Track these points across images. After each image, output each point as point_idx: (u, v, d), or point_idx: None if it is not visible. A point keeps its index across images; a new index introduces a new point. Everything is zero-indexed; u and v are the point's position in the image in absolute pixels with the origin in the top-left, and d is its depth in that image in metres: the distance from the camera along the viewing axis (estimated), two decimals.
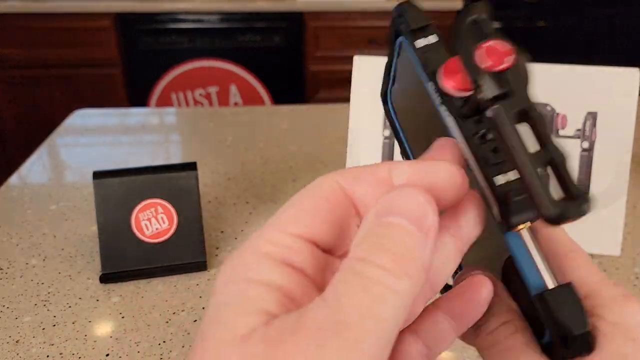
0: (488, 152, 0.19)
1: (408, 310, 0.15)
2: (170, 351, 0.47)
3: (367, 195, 0.17)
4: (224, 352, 0.14)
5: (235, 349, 0.14)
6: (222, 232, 0.64)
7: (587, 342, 0.18)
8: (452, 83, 0.19)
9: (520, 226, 0.19)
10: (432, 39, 0.22)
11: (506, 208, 0.18)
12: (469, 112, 0.19)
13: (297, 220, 0.16)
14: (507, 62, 0.19)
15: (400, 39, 0.23)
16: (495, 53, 0.19)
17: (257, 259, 0.15)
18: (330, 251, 0.17)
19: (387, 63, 0.24)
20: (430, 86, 0.21)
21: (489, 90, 0.18)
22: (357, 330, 0.14)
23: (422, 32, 0.22)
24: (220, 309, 0.15)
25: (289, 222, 0.17)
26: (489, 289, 0.19)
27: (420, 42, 0.21)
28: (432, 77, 0.20)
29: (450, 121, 0.20)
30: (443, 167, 0.18)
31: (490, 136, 0.19)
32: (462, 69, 0.19)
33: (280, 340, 0.14)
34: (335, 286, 0.15)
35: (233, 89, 1.97)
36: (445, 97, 0.20)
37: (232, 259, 0.16)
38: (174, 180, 0.56)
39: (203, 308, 0.52)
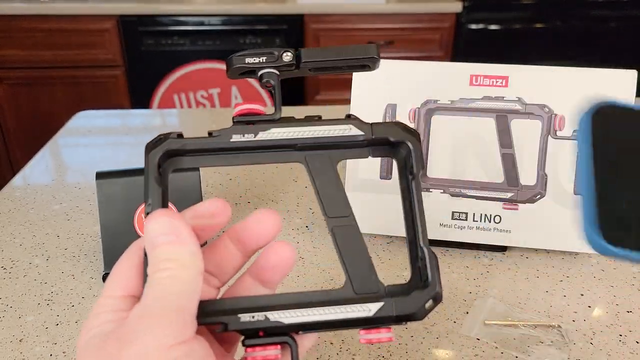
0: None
1: (194, 286, 0.23)
2: None
3: None
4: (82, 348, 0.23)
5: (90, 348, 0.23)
6: (224, 232, 0.64)
7: None
8: None
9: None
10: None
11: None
12: None
13: (115, 285, 0.25)
14: None
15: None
16: None
17: (95, 316, 0.24)
18: None
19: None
20: None
21: None
22: (161, 308, 0.22)
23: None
24: (81, 348, 0.23)
25: (109, 288, 0.25)
26: (280, 255, 0.27)
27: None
28: None
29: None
30: (206, 201, 0.26)
31: None
32: None
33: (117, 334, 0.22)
34: (142, 292, 0.23)
35: (234, 90, 1.97)
36: None
37: (84, 323, 0.24)
38: (176, 180, 0.56)
39: None
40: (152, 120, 1.07)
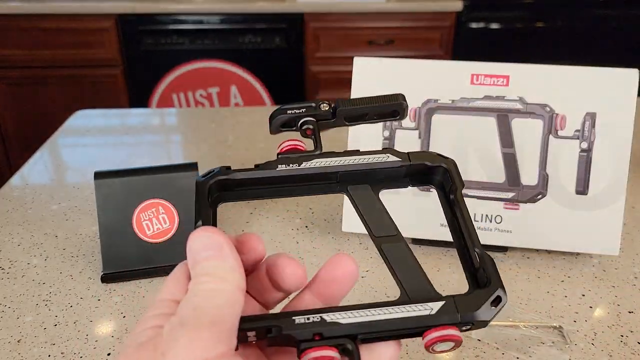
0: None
1: (232, 300, 0.22)
2: None
3: None
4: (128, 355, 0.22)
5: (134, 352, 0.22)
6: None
7: None
8: None
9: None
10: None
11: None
12: None
13: (166, 289, 0.25)
14: None
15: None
16: None
17: (142, 321, 0.24)
18: None
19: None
20: None
21: None
22: (196, 319, 0.21)
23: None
24: (122, 351, 0.23)
25: (162, 292, 0.25)
26: (345, 269, 0.26)
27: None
28: None
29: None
30: (242, 235, 0.26)
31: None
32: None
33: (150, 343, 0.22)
34: (180, 304, 0.23)
35: (234, 89, 1.97)
36: None
37: (141, 320, 0.24)
38: (175, 180, 0.56)
39: None
40: (151, 120, 1.07)
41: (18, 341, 0.48)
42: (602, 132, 0.55)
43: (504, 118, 0.57)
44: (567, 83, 0.56)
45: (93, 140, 0.93)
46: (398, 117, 0.31)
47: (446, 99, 0.58)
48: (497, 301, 0.24)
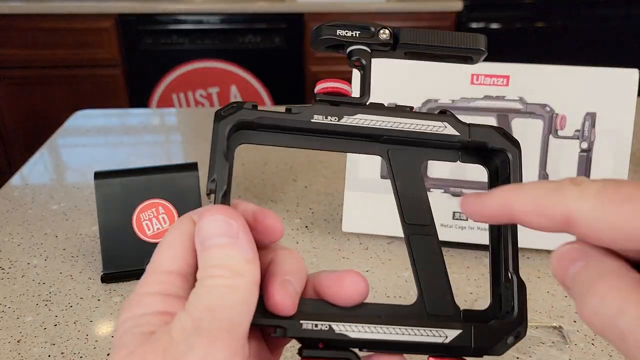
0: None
1: (248, 297, 0.20)
2: None
3: None
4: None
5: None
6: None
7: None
8: None
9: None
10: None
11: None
12: None
13: (161, 258, 0.22)
14: None
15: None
16: None
17: (141, 298, 0.21)
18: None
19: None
20: None
21: None
22: (211, 324, 0.19)
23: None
24: (121, 335, 0.20)
25: (155, 263, 0.22)
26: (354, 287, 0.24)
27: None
28: None
29: None
30: (267, 213, 0.24)
31: None
32: None
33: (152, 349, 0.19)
34: (190, 299, 0.20)
35: (234, 89, 1.97)
36: None
37: (129, 300, 0.21)
38: (175, 180, 0.56)
39: None
40: (151, 120, 1.07)
41: (18, 341, 0.48)
42: (602, 132, 0.56)
43: (504, 118, 0.57)
44: (567, 83, 0.56)
45: (93, 140, 0.93)
46: (470, 62, 0.26)
47: (446, 99, 0.58)
48: (517, 336, 0.23)
